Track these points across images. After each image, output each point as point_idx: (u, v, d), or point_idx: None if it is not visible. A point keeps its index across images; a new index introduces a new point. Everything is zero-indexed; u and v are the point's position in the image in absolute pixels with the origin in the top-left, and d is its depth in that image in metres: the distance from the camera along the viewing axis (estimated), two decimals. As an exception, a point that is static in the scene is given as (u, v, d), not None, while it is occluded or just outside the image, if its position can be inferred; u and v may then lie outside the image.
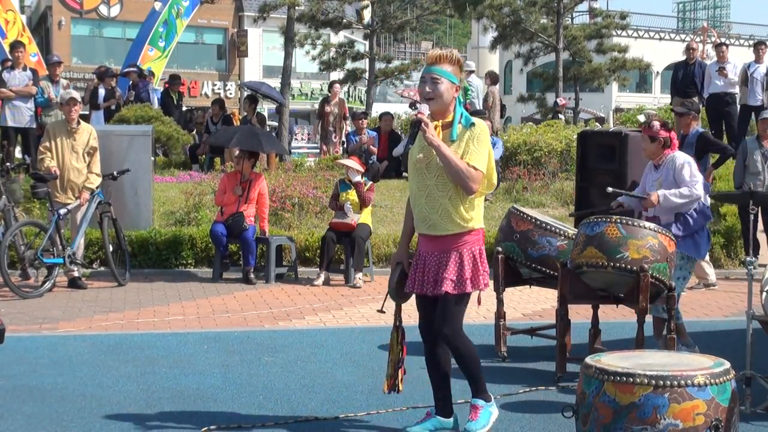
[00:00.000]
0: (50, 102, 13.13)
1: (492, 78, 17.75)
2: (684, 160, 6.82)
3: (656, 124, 6.86)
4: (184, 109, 18.54)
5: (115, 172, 10.33)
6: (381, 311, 5.32)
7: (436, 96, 4.75)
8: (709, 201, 7.01)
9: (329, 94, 17.55)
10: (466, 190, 4.74)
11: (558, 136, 15.31)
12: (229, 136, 11.60)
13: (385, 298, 5.14)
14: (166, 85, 17.55)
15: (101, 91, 15.56)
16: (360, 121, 15.22)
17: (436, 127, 4.76)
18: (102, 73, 16.04)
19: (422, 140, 4.76)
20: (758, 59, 14.32)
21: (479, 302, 4.98)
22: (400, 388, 5.11)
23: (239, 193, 10.48)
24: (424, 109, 4.73)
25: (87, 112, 14.19)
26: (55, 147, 9.76)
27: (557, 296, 6.30)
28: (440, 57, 4.79)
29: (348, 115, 17.91)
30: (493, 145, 10.25)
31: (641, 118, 8.95)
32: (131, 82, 16.79)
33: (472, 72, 17.05)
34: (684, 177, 6.71)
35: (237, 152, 11.21)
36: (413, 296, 5.01)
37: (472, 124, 4.78)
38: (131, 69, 17.54)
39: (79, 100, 10.15)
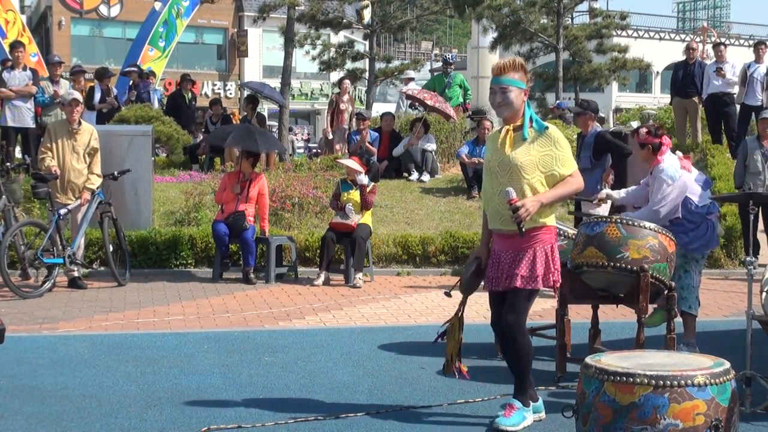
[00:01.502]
0: (54, 99, 13.07)
1: None
2: (663, 173, 6.69)
3: (643, 131, 6.81)
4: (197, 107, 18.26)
5: (116, 172, 10.34)
6: (448, 294, 5.51)
7: (506, 104, 5.00)
8: (707, 197, 6.90)
9: (339, 91, 17.34)
10: (578, 191, 5.19)
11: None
12: (225, 135, 11.53)
13: (456, 284, 5.38)
14: (167, 85, 17.45)
15: (97, 92, 15.48)
16: (363, 122, 15.18)
17: (507, 131, 5.03)
18: (101, 74, 15.98)
19: (493, 144, 5.06)
20: (758, 59, 14.30)
21: (556, 295, 5.38)
22: (464, 369, 5.34)
23: (237, 192, 10.49)
24: (511, 193, 4.87)
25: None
26: (56, 147, 9.76)
27: (557, 296, 6.31)
28: (505, 67, 5.03)
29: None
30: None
31: (634, 124, 8.82)
32: (131, 82, 16.75)
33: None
34: (654, 195, 6.68)
35: (237, 151, 11.21)
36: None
37: (546, 128, 5.00)
38: (132, 69, 17.49)
39: (81, 101, 10.15)
